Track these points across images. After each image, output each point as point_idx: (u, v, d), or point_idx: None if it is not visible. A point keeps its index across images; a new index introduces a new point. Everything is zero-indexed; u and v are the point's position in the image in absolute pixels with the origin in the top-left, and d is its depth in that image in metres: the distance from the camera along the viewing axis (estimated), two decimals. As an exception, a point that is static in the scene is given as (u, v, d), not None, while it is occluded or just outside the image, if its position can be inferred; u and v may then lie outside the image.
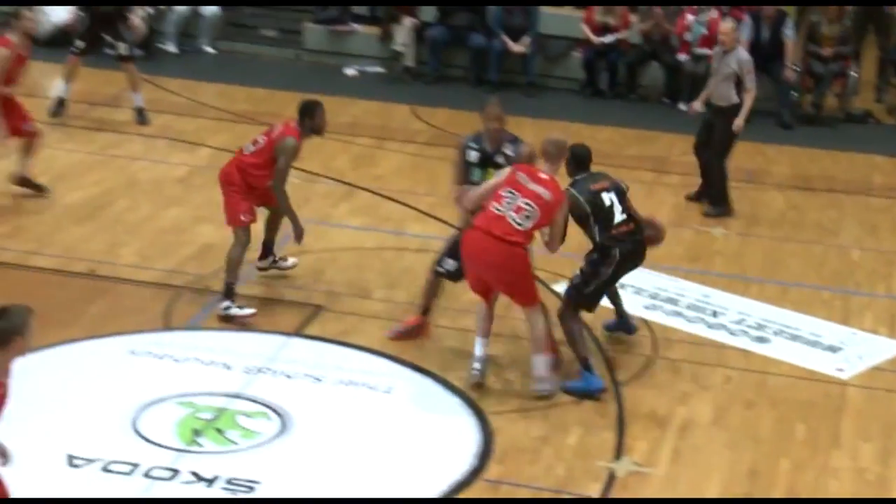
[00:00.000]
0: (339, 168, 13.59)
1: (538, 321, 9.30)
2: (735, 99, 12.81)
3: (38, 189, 12.17)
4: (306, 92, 15.78)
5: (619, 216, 9.51)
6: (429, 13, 17.10)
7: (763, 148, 15.41)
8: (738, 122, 12.80)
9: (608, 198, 9.50)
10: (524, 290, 9.32)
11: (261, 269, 10.82)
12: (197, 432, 8.50)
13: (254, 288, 10.65)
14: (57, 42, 16.19)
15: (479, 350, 9.32)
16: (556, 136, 9.45)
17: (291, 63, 17.50)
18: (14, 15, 11.98)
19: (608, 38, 16.60)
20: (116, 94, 15.01)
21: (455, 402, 9.16)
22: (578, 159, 9.62)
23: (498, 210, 9.04)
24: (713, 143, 12.97)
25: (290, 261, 10.89)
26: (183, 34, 17.48)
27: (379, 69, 17.25)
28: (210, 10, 17.44)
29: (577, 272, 9.62)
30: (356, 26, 17.58)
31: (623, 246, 9.52)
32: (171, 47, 17.37)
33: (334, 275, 11.03)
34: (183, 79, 16.18)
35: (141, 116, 14.36)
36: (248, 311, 10.14)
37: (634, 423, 9.03)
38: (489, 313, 9.39)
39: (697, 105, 13.14)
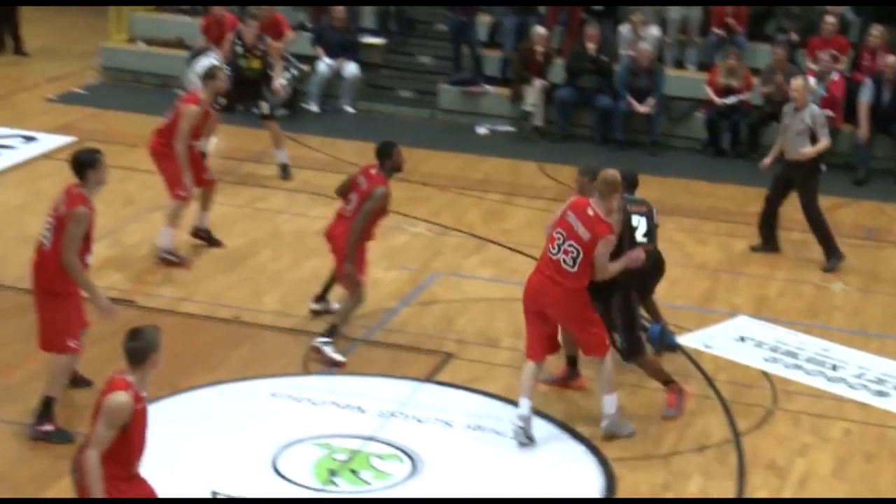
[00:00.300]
0: (470, 222, 13.99)
1: (606, 365, 9.46)
2: (810, 153, 13.08)
3: (215, 243, 12.76)
4: (440, 149, 16.44)
5: (639, 237, 10.01)
6: (558, 75, 17.49)
7: (883, 206, 15.49)
8: (807, 150, 12.99)
9: (637, 219, 10.04)
10: (589, 335, 9.46)
11: (315, 312, 11.27)
12: (333, 472, 8.86)
13: (389, 336, 11.08)
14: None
15: (525, 409, 9.39)
16: (609, 172, 9.53)
17: (426, 122, 17.96)
18: (209, 74, 12.65)
19: (731, 100, 16.85)
20: (262, 151, 15.59)
21: (579, 449, 9.46)
22: (626, 182, 9.96)
23: (552, 253, 9.33)
24: (802, 200, 13.21)
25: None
26: (325, 95, 18.05)
27: (509, 128, 17.61)
28: (351, 72, 18.03)
29: (616, 331, 9.81)
30: (488, 87, 18.00)
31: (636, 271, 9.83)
32: (313, 107, 17.94)
33: (464, 324, 11.41)
34: (324, 136, 16.67)
35: (285, 172, 14.93)
36: (340, 357, 10.51)
37: (754, 473, 9.20)
38: (536, 373, 9.54)
39: (768, 161, 13.41)
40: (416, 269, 12.54)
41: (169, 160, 12.19)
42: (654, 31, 17.80)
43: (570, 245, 9.25)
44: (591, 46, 17.13)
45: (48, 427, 9.10)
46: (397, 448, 9.24)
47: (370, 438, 9.33)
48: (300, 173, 15.06)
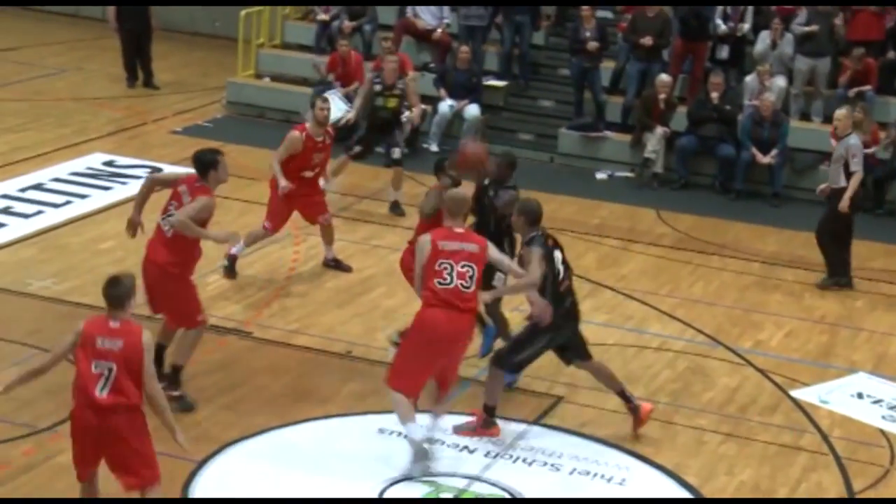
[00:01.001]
0: (585, 266, 13.87)
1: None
2: (843, 183, 13.42)
3: (345, 268, 13.13)
4: (557, 193, 16.42)
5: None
6: (679, 123, 17.40)
7: None
8: (843, 204, 13.30)
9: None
10: (459, 364, 9.54)
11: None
12: (438, 510, 8.86)
13: (499, 376, 11.09)
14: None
15: (420, 433, 9.25)
16: (454, 192, 9.60)
17: (545, 165, 17.93)
18: (311, 104, 12.91)
19: (858, 154, 16.57)
20: (380, 189, 15.70)
21: (687, 497, 9.34)
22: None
23: (443, 284, 9.12)
24: (824, 222, 13.63)
25: None
26: (445, 135, 18.18)
27: (628, 174, 17.56)
28: (472, 114, 18.12)
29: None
30: (609, 133, 17.98)
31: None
32: (433, 146, 18.06)
33: (576, 368, 11.35)
34: (442, 176, 16.82)
35: (397, 209, 15.05)
36: None
37: (868, 533, 9.05)
38: (414, 404, 9.37)
39: (822, 187, 13.86)
40: (529, 312, 12.49)
41: (273, 191, 12.56)
42: (780, 81, 17.63)
43: (463, 265, 9.14)
44: (714, 95, 17.01)
45: (177, 392, 9.88)
46: (503, 489, 9.21)
47: (476, 478, 9.33)
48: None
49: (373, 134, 15.06)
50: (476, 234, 9.47)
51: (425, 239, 9.26)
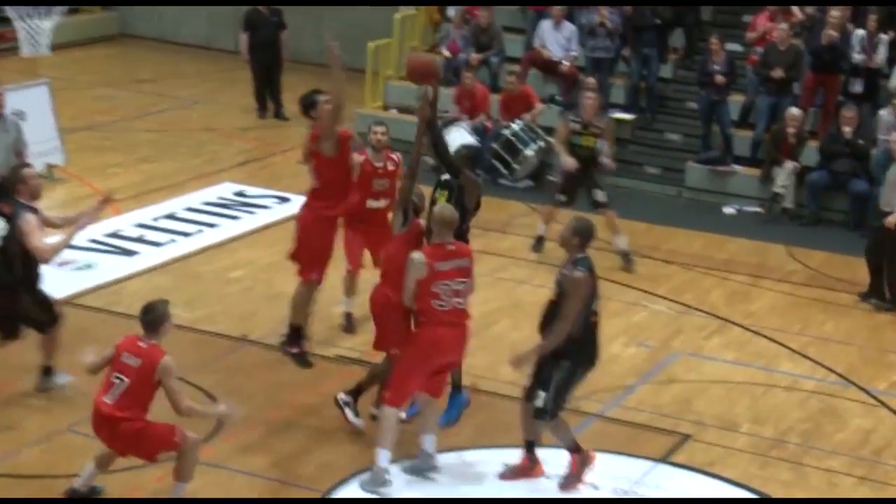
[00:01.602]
0: (713, 302, 13.78)
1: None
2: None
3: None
4: (684, 227, 16.27)
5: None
6: (810, 157, 17.12)
7: None
8: (890, 219, 13.33)
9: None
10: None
11: None
12: (562, 546, 8.86)
13: (625, 413, 10.98)
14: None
15: (387, 462, 9.50)
16: (441, 208, 9.73)
17: (672, 199, 17.81)
18: (368, 128, 12.66)
19: None
20: (507, 222, 15.75)
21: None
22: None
23: (442, 306, 9.41)
24: (889, 249, 13.64)
25: None
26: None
27: (757, 209, 17.32)
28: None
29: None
30: (737, 167, 17.77)
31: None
32: (557, 178, 17.94)
33: (703, 406, 11.23)
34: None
35: (627, 261, 14.57)
36: None
37: None
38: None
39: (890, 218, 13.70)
40: (655, 347, 12.40)
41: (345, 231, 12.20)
42: (915, 115, 17.26)
43: (459, 283, 9.46)
44: (846, 129, 16.72)
45: (294, 349, 10.96)
46: (628, 528, 9.15)
47: (602, 516, 9.28)
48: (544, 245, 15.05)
49: (574, 175, 14.70)
50: (464, 246, 9.68)
51: (420, 260, 9.40)
